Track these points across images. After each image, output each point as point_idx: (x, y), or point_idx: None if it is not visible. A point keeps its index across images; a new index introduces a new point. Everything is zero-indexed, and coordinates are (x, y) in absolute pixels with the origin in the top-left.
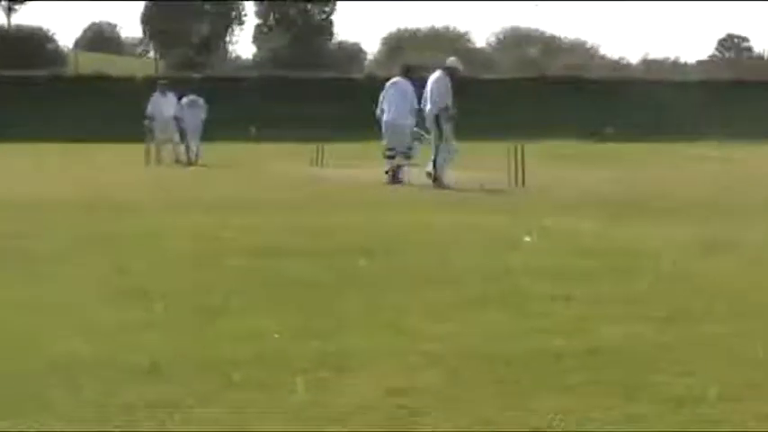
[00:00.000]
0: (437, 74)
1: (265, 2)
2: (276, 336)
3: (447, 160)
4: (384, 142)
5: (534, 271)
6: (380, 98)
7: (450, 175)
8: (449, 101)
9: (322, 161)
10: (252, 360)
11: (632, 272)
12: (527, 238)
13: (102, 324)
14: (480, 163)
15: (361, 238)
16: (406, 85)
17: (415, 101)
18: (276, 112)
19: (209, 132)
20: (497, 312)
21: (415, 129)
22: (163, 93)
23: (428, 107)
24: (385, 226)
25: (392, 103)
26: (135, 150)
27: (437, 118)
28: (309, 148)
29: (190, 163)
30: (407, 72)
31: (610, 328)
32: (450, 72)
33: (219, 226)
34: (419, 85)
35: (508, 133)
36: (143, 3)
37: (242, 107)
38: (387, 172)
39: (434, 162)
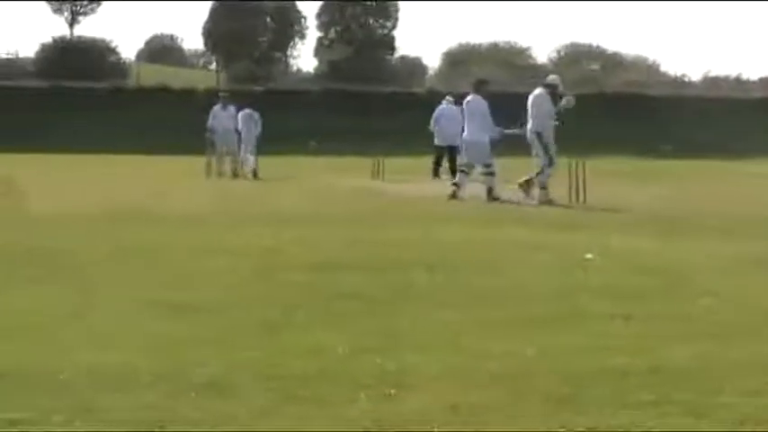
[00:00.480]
0: (537, 91)
1: (327, 16)
2: (339, 351)
3: (548, 176)
4: (464, 159)
5: (594, 289)
6: (434, 114)
7: (499, 190)
8: (551, 118)
9: (382, 175)
10: (313, 375)
11: (691, 290)
12: (588, 256)
13: (160, 338)
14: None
15: (420, 253)
16: (480, 103)
17: (489, 117)
18: (336, 126)
19: (270, 145)
20: (557, 330)
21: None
22: (224, 106)
23: (529, 125)
24: (444, 241)
25: (468, 120)
26: (196, 163)
27: (539, 135)
28: (369, 162)
29: (245, 176)
30: (479, 86)
31: (671, 347)
32: (551, 90)
33: (278, 239)
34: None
35: (568, 149)
36: (205, 15)
37: (303, 120)
38: (455, 184)
39: (537, 176)
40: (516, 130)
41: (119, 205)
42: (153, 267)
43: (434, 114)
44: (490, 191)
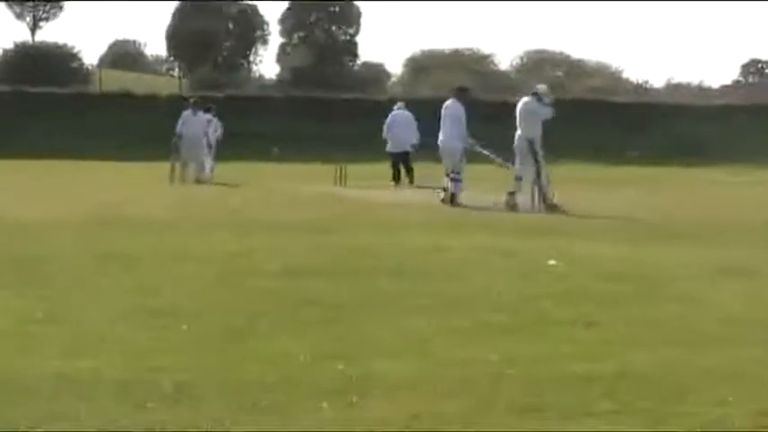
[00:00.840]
0: (526, 99)
1: (289, 22)
2: (301, 359)
3: (546, 182)
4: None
5: (558, 295)
6: (387, 120)
7: (462, 195)
8: (539, 127)
9: (345, 181)
10: (276, 383)
11: (657, 296)
12: (552, 262)
13: (127, 344)
14: (503, 185)
15: (385, 259)
16: (458, 109)
17: (464, 124)
18: (299, 132)
19: (232, 151)
20: (522, 337)
21: (492, 155)
22: (194, 111)
23: (518, 133)
24: (409, 248)
25: (444, 125)
26: (160, 168)
27: (530, 142)
28: (332, 169)
29: (206, 181)
30: (460, 93)
31: (636, 354)
32: (538, 98)
33: (243, 245)
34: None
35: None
36: (168, 20)
37: (265, 126)
38: (444, 189)
39: (538, 187)
40: (491, 154)
41: (84, 212)
42: (120, 274)
43: (387, 121)
44: (453, 197)
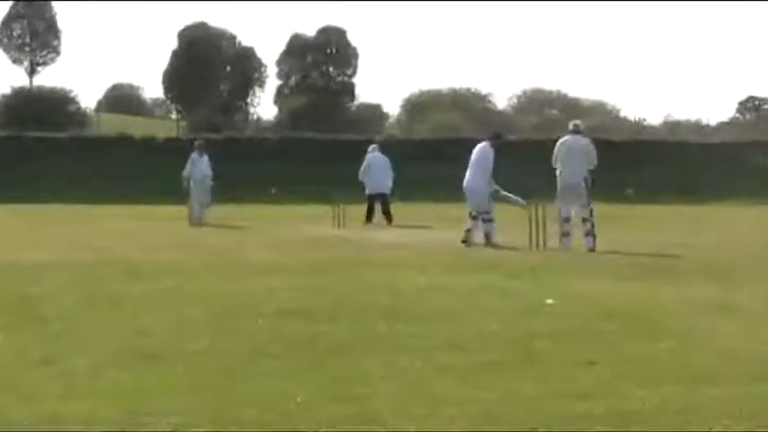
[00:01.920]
0: (577, 137)
1: (287, 64)
2: (298, 400)
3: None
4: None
5: (556, 334)
6: (365, 163)
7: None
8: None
9: (343, 222)
10: (274, 424)
11: (653, 333)
12: (549, 301)
13: (123, 386)
14: (500, 225)
15: (383, 300)
16: (487, 152)
17: (491, 169)
18: (297, 173)
19: (231, 193)
20: (520, 376)
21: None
22: (200, 153)
23: (568, 172)
24: (407, 288)
25: (472, 167)
26: (154, 211)
27: (585, 182)
28: (329, 210)
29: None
30: (494, 138)
31: (634, 391)
32: (586, 133)
33: (238, 287)
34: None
35: (527, 195)
36: (165, 64)
37: (263, 167)
38: (467, 230)
39: (590, 219)
40: (513, 197)
41: (82, 254)
42: (115, 315)
43: (364, 163)
44: (488, 237)
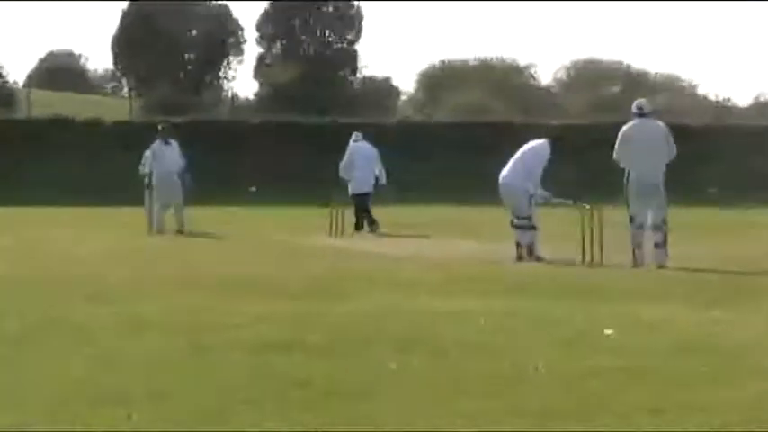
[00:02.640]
0: (642, 121)
1: (270, 26)
2: None
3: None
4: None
5: (616, 374)
6: (347, 156)
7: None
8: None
9: (342, 230)
10: None
11: (740, 372)
12: (608, 332)
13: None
14: (544, 232)
15: (393, 330)
16: (544, 150)
17: (540, 172)
18: (284, 167)
19: (201, 190)
20: (565, 426)
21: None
22: (164, 141)
23: (642, 167)
24: (423, 314)
25: (515, 161)
26: (108, 214)
27: (663, 183)
28: (326, 214)
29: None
30: (554, 139)
31: None
32: (658, 115)
33: (220, 312)
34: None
35: (579, 194)
36: (114, 28)
37: (239, 160)
38: (518, 245)
39: (662, 227)
40: (566, 201)
41: (29, 269)
42: (71, 346)
43: (347, 157)
44: (529, 248)
